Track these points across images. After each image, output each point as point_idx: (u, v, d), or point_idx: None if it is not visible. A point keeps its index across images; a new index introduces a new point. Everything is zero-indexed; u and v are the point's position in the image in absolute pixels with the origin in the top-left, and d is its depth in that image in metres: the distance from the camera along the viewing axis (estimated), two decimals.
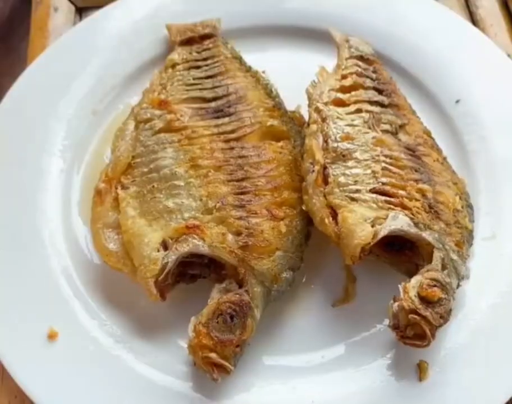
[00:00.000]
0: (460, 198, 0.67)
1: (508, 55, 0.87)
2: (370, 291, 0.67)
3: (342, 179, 0.64)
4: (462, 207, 0.66)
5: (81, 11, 0.98)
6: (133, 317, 0.66)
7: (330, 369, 0.63)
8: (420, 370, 0.61)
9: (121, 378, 0.62)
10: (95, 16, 0.89)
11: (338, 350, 0.64)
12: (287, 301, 0.67)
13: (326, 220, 0.62)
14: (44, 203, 0.73)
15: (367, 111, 0.69)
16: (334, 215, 0.62)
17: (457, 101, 0.80)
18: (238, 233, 0.62)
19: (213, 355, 0.58)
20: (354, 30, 0.84)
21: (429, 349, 0.59)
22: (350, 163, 0.65)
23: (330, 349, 0.64)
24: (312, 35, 0.85)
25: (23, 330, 0.65)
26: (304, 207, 0.65)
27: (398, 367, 0.62)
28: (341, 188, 0.63)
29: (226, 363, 0.58)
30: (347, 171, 0.64)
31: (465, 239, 0.64)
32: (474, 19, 0.94)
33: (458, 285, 0.62)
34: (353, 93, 0.71)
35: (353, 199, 0.62)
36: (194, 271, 0.62)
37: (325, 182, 0.64)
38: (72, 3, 0.98)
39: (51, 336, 0.64)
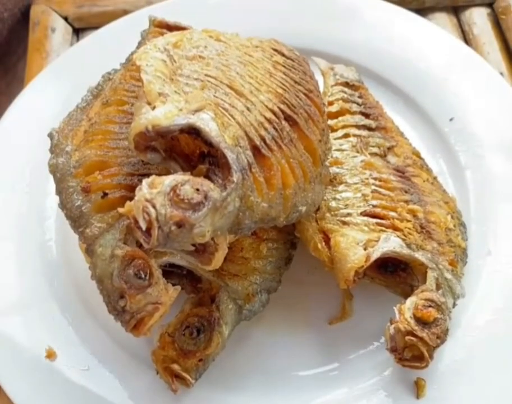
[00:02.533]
0: (452, 217, 0.67)
1: (501, 73, 0.88)
2: (368, 308, 0.67)
3: (333, 203, 0.64)
4: (454, 226, 0.66)
5: (78, 32, 1.00)
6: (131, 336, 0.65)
7: (326, 387, 0.63)
8: (418, 387, 0.61)
9: (120, 399, 0.62)
10: (91, 37, 0.91)
11: (335, 367, 0.64)
12: (283, 317, 0.67)
13: (319, 246, 0.62)
14: (43, 223, 0.74)
15: (355, 135, 0.70)
16: (327, 240, 0.63)
17: (451, 119, 0.80)
18: None
19: (175, 366, 0.58)
20: (348, 50, 0.86)
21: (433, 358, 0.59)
22: (340, 187, 0.65)
23: (327, 366, 0.64)
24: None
25: (21, 350, 0.65)
26: (296, 233, 0.65)
27: (395, 384, 0.62)
28: (332, 213, 0.64)
29: (187, 376, 0.58)
30: (338, 196, 0.65)
31: (459, 257, 0.64)
32: (466, 38, 0.96)
33: (454, 304, 0.62)
34: (340, 118, 0.72)
35: (344, 223, 0.63)
36: (173, 281, 0.61)
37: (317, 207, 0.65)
38: (69, 24, 1.00)
39: (49, 356, 0.64)
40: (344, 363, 0.64)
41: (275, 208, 0.54)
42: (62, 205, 0.60)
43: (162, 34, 0.71)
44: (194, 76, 0.57)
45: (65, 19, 1.00)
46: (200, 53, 0.60)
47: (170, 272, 0.62)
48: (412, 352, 0.58)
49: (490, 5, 0.99)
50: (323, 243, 0.63)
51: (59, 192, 0.61)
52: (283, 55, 0.66)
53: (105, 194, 0.58)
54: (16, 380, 0.63)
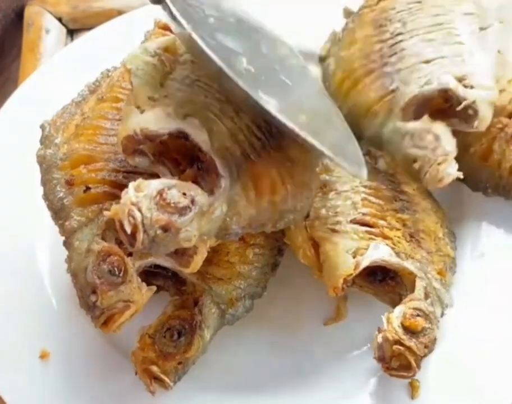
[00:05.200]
0: (441, 226, 0.66)
1: None
2: (362, 310, 0.67)
3: (322, 211, 0.64)
4: (443, 234, 0.66)
5: (72, 33, 1.00)
6: (126, 336, 0.64)
7: (321, 388, 0.63)
8: (412, 388, 0.61)
9: (114, 398, 0.62)
10: (86, 38, 0.91)
11: (329, 368, 0.64)
12: (278, 318, 0.67)
13: (308, 253, 0.62)
14: (34, 221, 0.73)
15: None
16: (316, 247, 0.63)
17: None
18: None
19: (154, 368, 0.58)
20: None
21: (421, 367, 0.59)
22: (330, 195, 0.65)
23: (321, 367, 0.64)
24: None
25: (14, 349, 0.64)
26: (285, 241, 0.65)
27: (390, 385, 0.62)
28: (322, 220, 0.63)
29: (166, 378, 0.58)
30: (328, 203, 0.64)
31: (447, 267, 0.64)
32: None
33: (442, 314, 0.62)
34: None
35: (334, 231, 0.62)
36: (158, 282, 0.62)
37: (307, 214, 0.64)
38: (64, 24, 1.00)
39: (43, 357, 0.64)
40: (339, 364, 0.64)
41: (264, 214, 0.54)
42: (45, 196, 0.61)
43: (165, 35, 0.71)
44: (185, 80, 0.57)
45: (60, 20, 1.00)
46: (192, 57, 0.60)
47: (156, 273, 0.62)
48: (400, 361, 0.57)
49: None
50: (312, 251, 0.62)
51: (43, 183, 0.61)
52: None
53: (88, 188, 0.58)
54: (9, 380, 0.63)
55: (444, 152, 0.59)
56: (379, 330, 0.58)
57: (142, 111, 0.52)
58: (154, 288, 0.55)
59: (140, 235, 0.46)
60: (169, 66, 0.58)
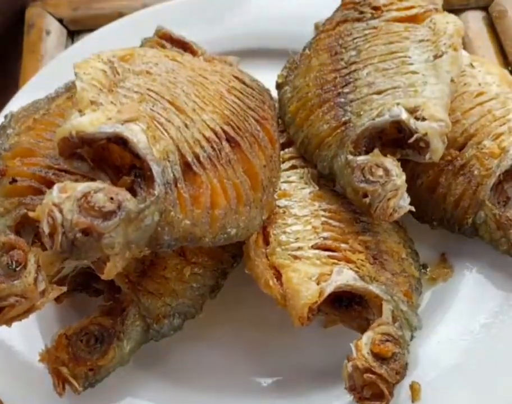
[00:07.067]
0: (404, 245, 0.65)
1: None
2: None
3: (283, 237, 0.62)
4: (406, 255, 0.65)
5: (73, 34, 1.01)
6: None
7: (321, 390, 0.62)
8: (413, 391, 0.60)
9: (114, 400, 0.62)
10: (86, 39, 0.91)
11: (329, 371, 0.63)
12: (277, 319, 0.65)
13: (270, 282, 0.59)
14: None
15: (302, 166, 0.69)
16: (279, 275, 0.60)
17: None
18: (142, 260, 0.61)
19: (63, 369, 0.57)
20: None
21: (421, 370, 0.60)
22: (290, 220, 0.63)
23: (322, 370, 0.63)
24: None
25: (15, 353, 0.64)
26: (246, 270, 0.62)
27: None
28: (283, 247, 0.61)
29: (73, 382, 0.57)
30: (288, 229, 0.62)
31: (413, 288, 0.63)
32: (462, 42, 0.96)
33: (411, 337, 0.60)
34: (286, 150, 0.71)
35: (296, 257, 0.60)
36: (99, 285, 0.62)
37: (266, 241, 0.62)
38: (64, 26, 1.01)
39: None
40: (340, 367, 0.60)
41: (200, 227, 0.53)
42: None
43: (161, 44, 0.74)
44: (135, 89, 0.57)
45: (61, 21, 1.01)
46: (149, 68, 0.60)
47: (97, 276, 0.59)
48: (372, 390, 0.55)
49: (485, 8, 0.99)
50: (275, 280, 0.60)
51: None
52: (243, 83, 0.66)
53: (14, 180, 0.58)
54: (9, 384, 0.62)
55: (394, 187, 0.58)
56: (349, 358, 0.56)
57: (82, 115, 0.52)
58: (63, 289, 0.53)
59: (58, 237, 0.45)
60: (121, 74, 0.58)
